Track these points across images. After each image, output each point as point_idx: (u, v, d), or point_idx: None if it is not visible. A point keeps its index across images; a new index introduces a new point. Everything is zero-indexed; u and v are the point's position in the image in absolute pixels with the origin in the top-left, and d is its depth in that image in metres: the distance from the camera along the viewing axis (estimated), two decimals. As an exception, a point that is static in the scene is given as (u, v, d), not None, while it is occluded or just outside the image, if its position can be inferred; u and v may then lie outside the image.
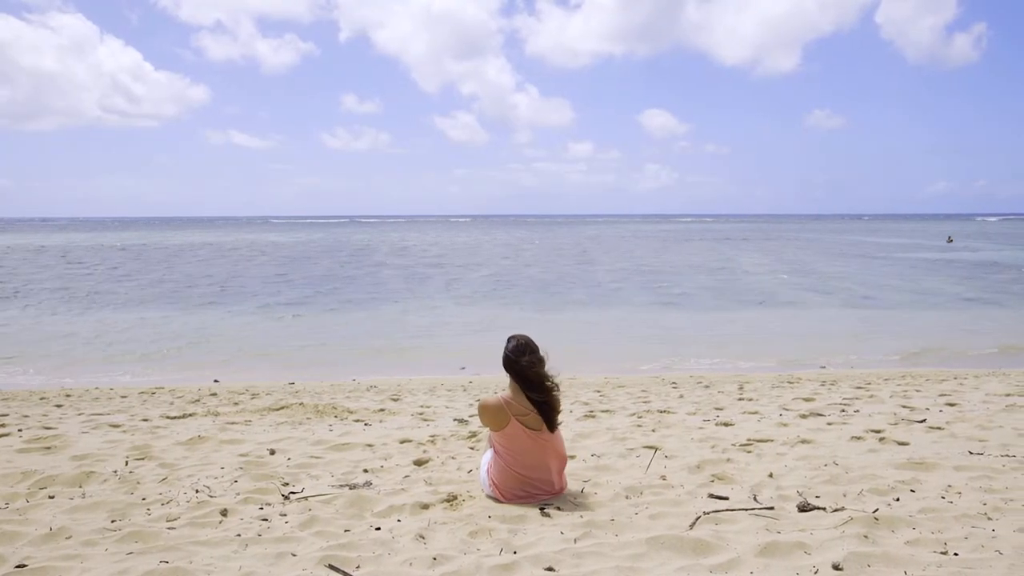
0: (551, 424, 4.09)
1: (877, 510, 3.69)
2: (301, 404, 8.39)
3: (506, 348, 4.17)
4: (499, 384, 10.19)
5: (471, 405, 8.31)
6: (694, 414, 7.47)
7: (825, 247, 54.67)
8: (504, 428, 4.09)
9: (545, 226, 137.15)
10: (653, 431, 6.32)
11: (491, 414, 4.11)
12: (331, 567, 3.01)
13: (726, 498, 4.09)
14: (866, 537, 3.30)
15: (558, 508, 3.96)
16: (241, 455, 5.42)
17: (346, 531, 3.61)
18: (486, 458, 4.31)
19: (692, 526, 3.56)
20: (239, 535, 3.51)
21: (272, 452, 5.52)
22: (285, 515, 3.89)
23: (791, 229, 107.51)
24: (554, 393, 4.10)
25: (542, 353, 4.13)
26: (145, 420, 7.41)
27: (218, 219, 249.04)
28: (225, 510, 3.92)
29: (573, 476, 4.67)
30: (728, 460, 5.07)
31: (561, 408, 4.20)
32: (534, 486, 4.10)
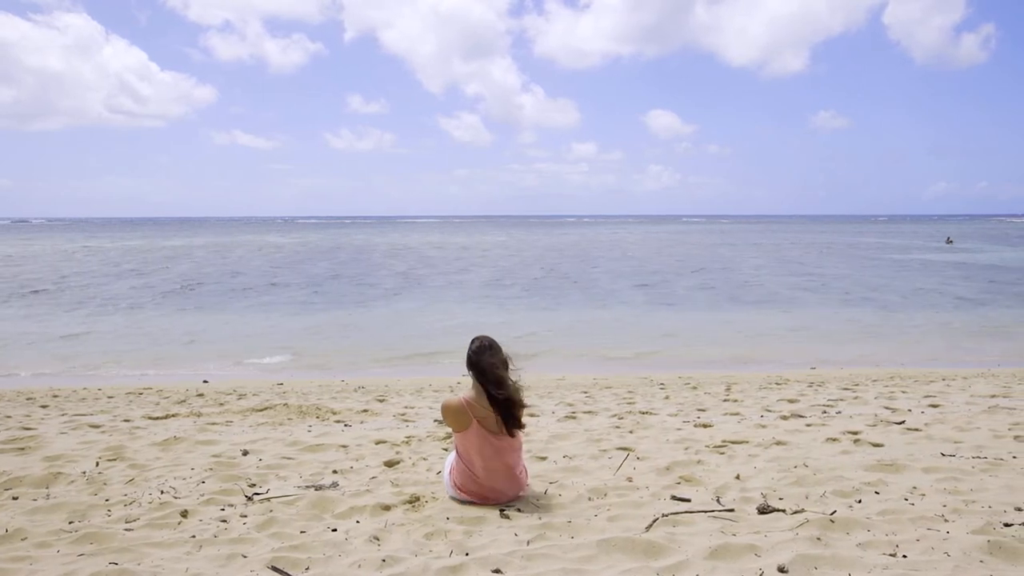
0: (512, 425, 4.08)
1: (835, 512, 3.68)
2: (285, 405, 8.39)
3: (469, 348, 4.17)
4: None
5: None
6: (675, 415, 7.45)
7: (825, 248, 54.59)
8: (465, 429, 4.09)
9: (546, 227, 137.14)
10: (631, 432, 6.30)
11: (453, 415, 4.11)
12: (274, 569, 3.01)
13: (688, 500, 4.08)
14: (819, 539, 3.28)
15: (518, 510, 3.95)
16: (214, 456, 5.42)
17: (302, 532, 3.61)
18: (449, 459, 4.30)
19: (648, 528, 3.55)
20: (194, 536, 3.51)
21: (245, 453, 5.52)
22: (245, 516, 3.89)
23: (792, 229, 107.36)
24: (515, 394, 4.09)
25: (505, 354, 4.13)
26: (126, 421, 7.42)
27: (224, 220, 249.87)
28: (185, 511, 3.92)
29: (541, 478, 4.67)
30: (699, 462, 5.05)
31: (523, 410, 4.19)
32: (495, 487, 4.09)
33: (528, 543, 3.39)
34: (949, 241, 59.56)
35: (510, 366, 4.15)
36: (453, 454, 4.27)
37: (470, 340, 4.22)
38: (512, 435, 4.09)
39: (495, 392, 4.00)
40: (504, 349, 4.15)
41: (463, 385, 10.81)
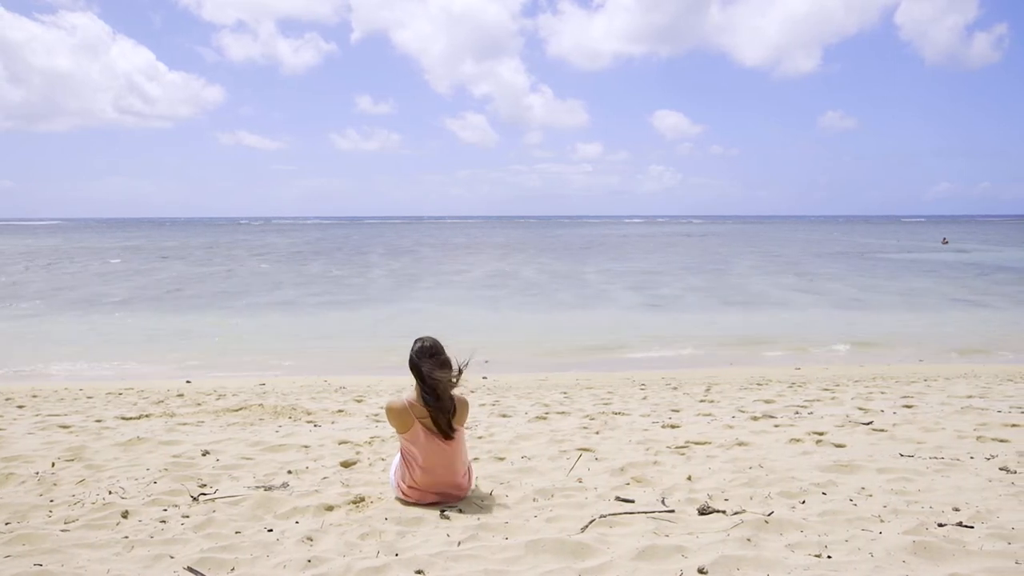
0: (448, 428, 4.08)
1: (771, 513, 3.66)
2: (260, 405, 8.39)
3: (411, 350, 4.17)
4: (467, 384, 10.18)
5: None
6: (647, 415, 7.43)
7: (823, 248, 54.51)
8: (408, 430, 4.09)
9: (546, 228, 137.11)
10: (596, 433, 6.28)
11: (395, 416, 4.11)
12: (190, 570, 3.01)
13: (632, 501, 4.06)
14: (749, 540, 3.26)
15: (460, 511, 3.94)
16: (173, 456, 5.41)
17: (236, 533, 3.59)
18: (395, 460, 4.30)
19: (583, 529, 3.54)
20: (127, 537, 3.50)
21: (205, 454, 5.52)
22: (187, 517, 3.88)
23: (794, 230, 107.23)
24: (449, 404, 4.09)
25: (447, 356, 4.13)
26: (98, 421, 7.42)
27: (237, 219, 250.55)
28: (126, 512, 3.91)
29: (493, 478, 4.65)
30: (655, 463, 5.03)
31: (464, 413, 4.19)
32: (438, 488, 4.08)
33: (459, 544, 3.38)
34: (945, 242, 59.47)
35: (453, 368, 4.14)
36: (398, 455, 4.27)
37: (413, 340, 4.22)
38: (451, 438, 4.08)
39: (430, 401, 4.02)
40: (447, 350, 4.15)
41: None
